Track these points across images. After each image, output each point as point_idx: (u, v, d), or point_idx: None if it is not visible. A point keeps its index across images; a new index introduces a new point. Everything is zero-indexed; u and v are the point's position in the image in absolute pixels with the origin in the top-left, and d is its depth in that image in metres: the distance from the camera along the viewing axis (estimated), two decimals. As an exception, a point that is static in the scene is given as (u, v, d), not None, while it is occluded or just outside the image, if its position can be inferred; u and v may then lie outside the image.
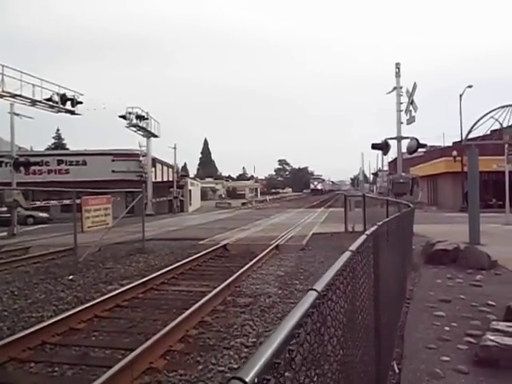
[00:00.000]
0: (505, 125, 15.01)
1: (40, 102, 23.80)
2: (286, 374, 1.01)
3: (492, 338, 4.54)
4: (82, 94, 26.45)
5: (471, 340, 5.12)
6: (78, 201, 12.28)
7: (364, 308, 2.91)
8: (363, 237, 2.88)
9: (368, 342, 3.27)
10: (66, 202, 21.35)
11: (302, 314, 1.23)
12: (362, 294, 2.79)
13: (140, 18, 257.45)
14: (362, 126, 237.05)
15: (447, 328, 5.69)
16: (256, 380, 0.84)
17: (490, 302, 6.89)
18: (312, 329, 1.34)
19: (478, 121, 13.89)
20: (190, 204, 45.13)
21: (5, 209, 22.91)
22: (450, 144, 44.62)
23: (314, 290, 1.46)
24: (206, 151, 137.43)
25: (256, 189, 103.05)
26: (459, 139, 33.08)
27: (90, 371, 5.05)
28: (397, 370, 4.45)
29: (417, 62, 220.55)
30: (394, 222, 5.91)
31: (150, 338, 5.61)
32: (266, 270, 10.96)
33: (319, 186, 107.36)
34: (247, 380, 0.82)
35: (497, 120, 13.80)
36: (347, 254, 2.19)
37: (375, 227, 3.57)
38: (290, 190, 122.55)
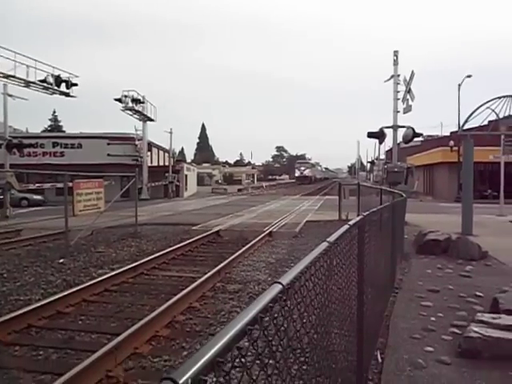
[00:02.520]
0: (501, 115, 14.93)
1: (34, 83, 23.53)
2: (233, 372, 0.97)
3: (476, 329, 4.55)
4: (77, 76, 26.19)
5: (456, 331, 5.13)
6: (70, 184, 12.21)
7: (344, 299, 2.89)
8: (345, 227, 2.83)
9: (350, 332, 3.26)
10: (59, 185, 21.22)
11: (260, 308, 1.18)
12: (342, 285, 2.75)
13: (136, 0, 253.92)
14: (361, 114, 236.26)
15: (433, 318, 5.70)
16: (190, 381, 0.79)
17: (478, 293, 6.91)
18: (273, 324, 1.30)
19: (475, 111, 13.82)
20: (186, 189, 45.02)
21: (-2, 191, 22.82)
22: (448, 133, 44.54)
23: (279, 282, 1.41)
24: (203, 136, 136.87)
25: (253, 175, 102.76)
26: (457, 129, 33.00)
27: (74, 355, 5.04)
28: (380, 360, 4.45)
29: (416, 51, 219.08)
30: (383, 212, 5.88)
31: (137, 323, 5.60)
32: (257, 256, 10.96)
33: (307, 173, 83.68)
34: (180, 381, 0.77)
35: (493, 111, 13.73)
36: (323, 245, 2.14)
37: (360, 217, 3.53)
38: (287, 176, 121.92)
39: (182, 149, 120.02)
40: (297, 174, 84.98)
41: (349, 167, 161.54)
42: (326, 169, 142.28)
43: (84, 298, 7.19)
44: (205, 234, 13.73)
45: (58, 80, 25.03)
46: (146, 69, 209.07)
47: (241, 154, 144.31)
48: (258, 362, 1.15)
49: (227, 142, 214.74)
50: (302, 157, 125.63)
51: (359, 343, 3.46)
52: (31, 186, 26.66)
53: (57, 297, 6.82)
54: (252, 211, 22.90)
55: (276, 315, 1.30)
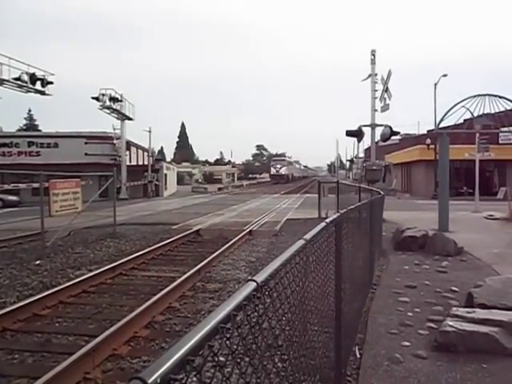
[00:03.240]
0: (476, 114, 15.25)
1: (8, 81, 23.03)
2: (205, 370, 0.97)
3: (451, 323, 4.64)
4: (52, 74, 25.74)
5: (432, 325, 5.23)
6: (46, 184, 11.98)
7: (322, 296, 2.91)
8: (322, 224, 2.86)
9: (328, 328, 3.29)
10: (35, 185, 20.81)
11: (233, 306, 1.18)
12: (319, 282, 2.78)
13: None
14: (341, 112, 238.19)
15: (410, 313, 5.80)
16: (159, 380, 0.79)
17: (454, 288, 7.06)
18: (247, 321, 1.30)
19: (450, 110, 14.08)
20: (166, 188, 44.64)
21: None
22: (425, 132, 45.27)
23: (253, 280, 1.42)
24: (183, 135, 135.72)
25: (233, 174, 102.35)
26: (433, 127, 33.50)
27: (51, 358, 4.95)
28: (358, 355, 4.51)
29: (393, 50, 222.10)
30: (361, 209, 5.95)
31: (115, 323, 5.54)
32: (237, 255, 10.95)
33: (283, 171, 76.22)
34: (149, 381, 0.77)
35: (468, 109, 14.01)
36: (300, 243, 2.15)
37: (337, 214, 3.56)
38: (268, 175, 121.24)
39: (162, 148, 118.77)
40: (272, 172, 78.41)
41: (328, 165, 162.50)
42: (305, 167, 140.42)
43: (61, 299, 7.06)
44: (185, 234, 13.65)
45: (33, 78, 24.55)
46: (124, 67, 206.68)
47: (221, 153, 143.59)
48: (231, 359, 1.15)
49: (207, 140, 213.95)
50: (282, 155, 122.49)
51: (337, 339, 3.50)
52: (6, 187, 26.02)
53: (33, 299, 6.69)
54: (232, 210, 22.87)
55: (250, 313, 1.31)
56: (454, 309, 5.26)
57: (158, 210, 23.59)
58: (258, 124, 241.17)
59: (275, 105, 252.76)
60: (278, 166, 77.06)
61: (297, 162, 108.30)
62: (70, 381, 4.27)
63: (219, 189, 58.32)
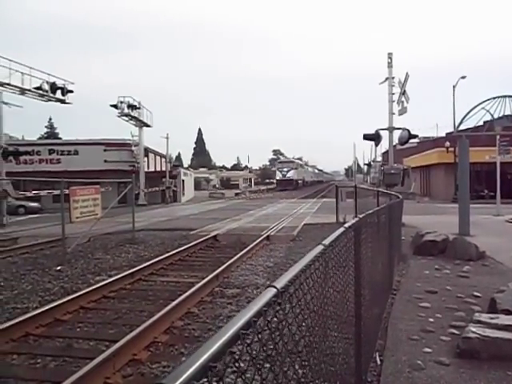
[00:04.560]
0: (496, 116, 15.01)
1: (29, 90, 23.55)
2: (227, 376, 0.97)
3: (474, 329, 4.55)
4: (72, 83, 26.23)
5: (454, 331, 5.13)
6: (66, 191, 12.19)
7: (341, 301, 2.89)
8: (340, 229, 2.84)
9: (348, 334, 3.26)
10: (55, 192, 21.19)
11: (253, 312, 1.18)
12: (339, 287, 2.76)
13: (130, 5, 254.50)
14: (359, 116, 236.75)
15: (431, 319, 5.70)
16: (182, 387, 0.80)
17: (476, 294, 6.92)
18: (268, 327, 1.30)
19: (469, 112, 13.89)
20: (183, 194, 44.95)
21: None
22: (444, 135, 44.66)
23: (273, 286, 1.42)
24: (200, 141, 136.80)
25: (250, 179, 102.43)
26: (452, 130, 33.03)
27: (72, 363, 5.02)
28: (379, 362, 4.45)
29: (411, 53, 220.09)
30: (380, 213, 5.89)
31: (135, 329, 5.58)
32: (255, 260, 10.95)
33: (291, 175, 65.57)
34: (172, 387, 0.77)
35: (488, 111, 13.80)
36: (318, 248, 2.14)
37: (356, 219, 3.53)
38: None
39: (179, 154, 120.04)
40: (278, 176, 67.51)
41: (346, 170, 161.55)
42: (321, 171, 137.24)
43: (82, 305, 7.16)
44: (202, 239, 13.71)
45: (54, 87, 25.06)
46: (142, 74, 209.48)
47: (238, 158, 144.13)
48: (252, 366, 1.15)
49: (224, 146, 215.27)
50: (299, 160, 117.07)
51: (357, 345, 3.46)
52: (28, 194, 26.56)
53: (54, 304, 6.79)
54: (249, 215, 22.89)
55: (270, 319, 1.30)
56: (477, 314, 5.15)
57: (175, 216, 23.76)
58: (275, 129, 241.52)
59: (292, 110, 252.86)
60: (285, 170, 66.61)
61: (313, 167, 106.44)
62: (91, 386, 4.32)
63: (236, 194, 58.44)
